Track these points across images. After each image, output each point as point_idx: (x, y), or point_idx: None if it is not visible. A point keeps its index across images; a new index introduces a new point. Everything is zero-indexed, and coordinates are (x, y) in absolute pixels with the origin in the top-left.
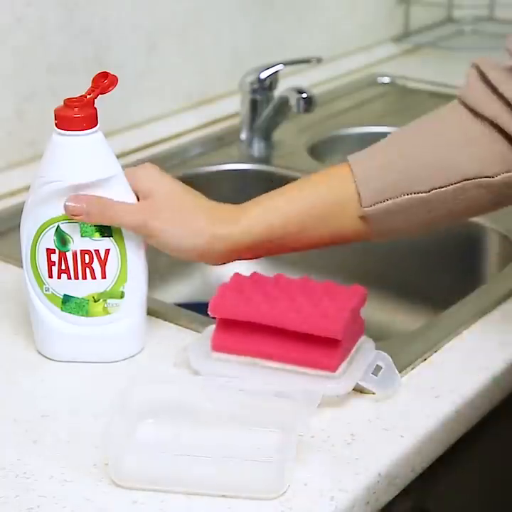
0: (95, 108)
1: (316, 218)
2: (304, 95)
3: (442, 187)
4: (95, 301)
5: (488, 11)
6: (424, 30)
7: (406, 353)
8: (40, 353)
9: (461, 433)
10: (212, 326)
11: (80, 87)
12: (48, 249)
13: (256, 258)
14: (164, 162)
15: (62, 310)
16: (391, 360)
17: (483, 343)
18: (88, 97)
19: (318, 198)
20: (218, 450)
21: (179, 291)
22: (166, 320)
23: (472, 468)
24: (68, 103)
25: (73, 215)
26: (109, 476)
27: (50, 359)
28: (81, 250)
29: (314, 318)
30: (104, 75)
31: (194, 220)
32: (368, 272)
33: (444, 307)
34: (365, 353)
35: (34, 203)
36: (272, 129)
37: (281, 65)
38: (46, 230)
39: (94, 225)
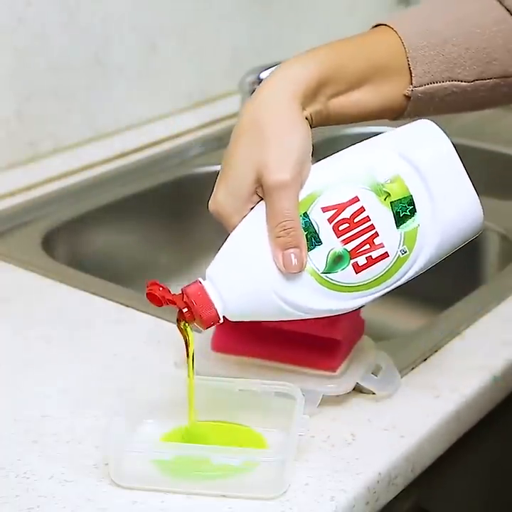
0: None
1: (370, 73)
2: None
3: (484, 79)
4: None
5: None
6: None
7: (406, 353)
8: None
9: (461, 433)
10: (212, 326)
11: (80, 87)
12: None
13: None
14: (164, 162)
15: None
16: (391, 360)
17: (484, 343)
18: None
19: (373, 53)
20: (218, 450)
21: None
22: (165, 320)
23: (472, 468)
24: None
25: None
26: (109, 476)
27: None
28: None
29: (314, 319)
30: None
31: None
32: None
33: (444, 307)
34: (365, 353)
35: None
36: None
37: None
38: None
39: None
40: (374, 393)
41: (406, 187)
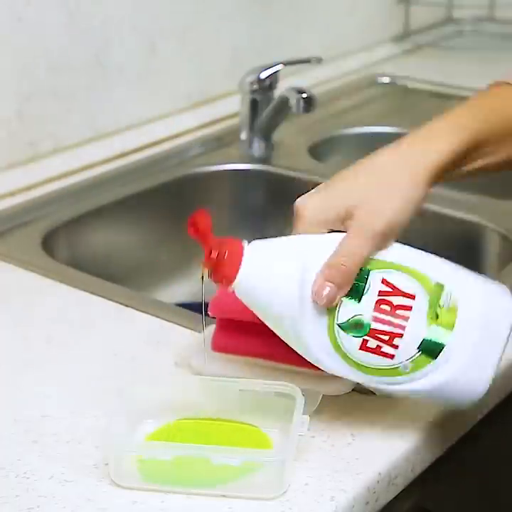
0: None
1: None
2: (304, 95)
3: None
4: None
5: (488, 11)
6: (424, 30)
7: None
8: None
9: (461, 433)
10: (212, 326)
11: (80, 87)
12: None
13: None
14: (164, 162)
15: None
16: None
17: None
18: None
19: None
20: (218, 450)
21: (179, 291)
22: (166, 320)
23: (472, 468)
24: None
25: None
26: (109, 476)
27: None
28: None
29: None
30: None
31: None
32: None
33: None
34: None
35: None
36: (271, 129)
37: (281, 65)
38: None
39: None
40: (374, 393)
41: (453, 324)
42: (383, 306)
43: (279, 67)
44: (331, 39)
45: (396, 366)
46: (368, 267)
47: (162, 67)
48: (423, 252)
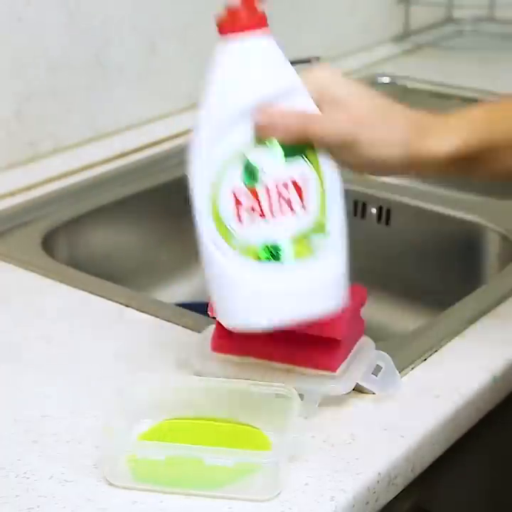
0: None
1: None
2: None
3: None
4: (297, 242)
5: (488, 11)
6: (424, 30)
7: (406, 353)
8: (230, 323)
9: (461, 433)
10: (212, 326)
11: (80, 87)
12: (234, 189)
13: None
14: (164, 162)
15: (260, 260)
16: (391, 360)
17: (484, 343)
18: None
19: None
20: (211, 451)
21: (179, 291)
22: (166, 320)
23: (472, 468)
24: (230, 9)
25: (269, 134)
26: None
27: (238, 326)
28: (275, 182)
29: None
30: None
31: (400, 127)
32: (368, 271)
33: (444, 307)
34: (365, 353)
35: (210, 136)
36: None
37: None
38: (230, 165)
39: (287, 149)
40: (374, 393)
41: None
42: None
43: None
44: (331, 39)
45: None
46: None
47: (162, 67)
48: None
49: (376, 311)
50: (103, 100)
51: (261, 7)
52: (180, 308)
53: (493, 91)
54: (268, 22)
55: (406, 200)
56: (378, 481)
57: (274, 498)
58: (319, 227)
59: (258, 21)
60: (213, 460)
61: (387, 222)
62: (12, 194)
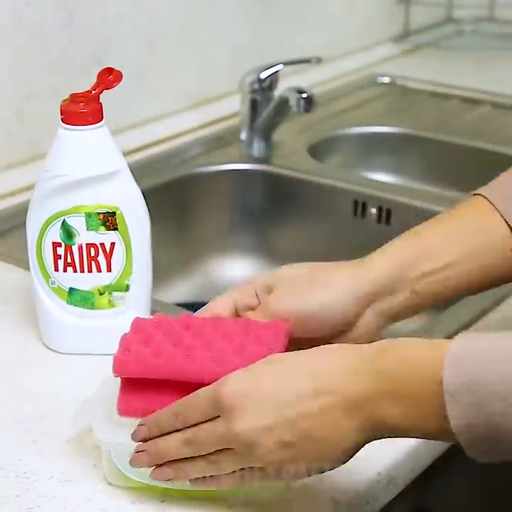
0: (100, 103)
1: (464, 252)
2: (304, 95)
3: None
4: (100, 294)
5: (488, 11)
6: (424, 30)
7: None
8: (46, 346)
9: None
10: (111, 377)
11: (80, 87)
12: (53, 243)
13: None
14: (164, 162)
15: (68, 303)
16: None
17: None
18: (93, 92)
19: (463, 231)
20: None
21: (179, 291)
22: None
23: (472, 468)
24: (74, 98)
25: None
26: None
27: (56, 352)
28: (87, 244)
29: (231, 366)
30: (109, 70)
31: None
32: None
33: (444, 307)
34: None
35: (40, 197)
36: (271, 129)
37: (281, 65)
38: (52, 223)
39: (100, 219)
40: None
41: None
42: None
43: (279, 67)
44: (331, 39)
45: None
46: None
47: (162, 67)
48: None
49: None
50: (103, 100)
51: (98, 103)
52: (181, 308)
53: (493, 91)
54: (103, 115)
55: (406, 200)
56: (378, 481)
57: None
58: (120, 285)
59: (96, 117)
60: None
61: (387, 222)
62: (12, 194)
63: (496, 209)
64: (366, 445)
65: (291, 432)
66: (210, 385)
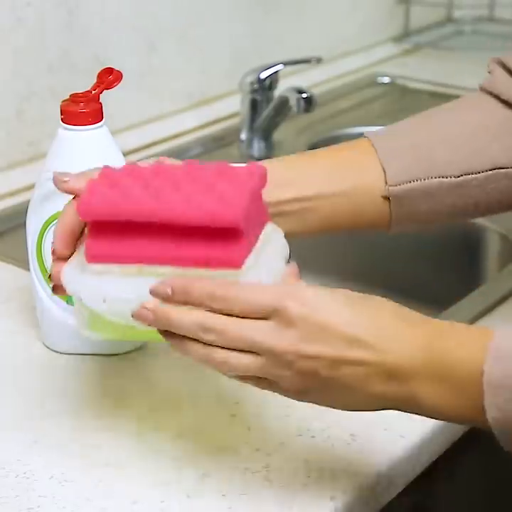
0: (100, 103)
1: (337, 191)
2: (304, 95)
3: (473, 173)
4: None
5: (488, 11)
6: (424, 30)
7: None
8: (46, 346)
9: (461, 433)
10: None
11: (80, 87)
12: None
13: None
14: None
15: (68, 303)
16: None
17: None
18: (93, 92)
19: (339, 166)
20: None
21: None
22: None
23: (472, 468)
24: (74, 98)
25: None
26: (109, 476)
27: (55, 352)
28: None
29: (207, 206)
30: (109, 70)
31: None
32: (368, 272)
33: (444, 307)
34: (274, 243)
35: (40, 197)
36: (272, 129)
37: (281, 65)
38: (52, 223)
39: None
40: None
41: None
42: None
43: (279, 67)
44: (331, 39)
45: None
46: None
47: (162, 67)
48: None
49: None
50: (103, 100)
51: (98, 103)
52: None
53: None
54: (103, 116)
55: None
56: (378, 481)
57: (274, 496)
58: None
59: (96, 117)
60: None
61: None
62: (12, 194)
63: (376, 153)
64: (366, 444)
65: (328, 370)
66: (274, 290)
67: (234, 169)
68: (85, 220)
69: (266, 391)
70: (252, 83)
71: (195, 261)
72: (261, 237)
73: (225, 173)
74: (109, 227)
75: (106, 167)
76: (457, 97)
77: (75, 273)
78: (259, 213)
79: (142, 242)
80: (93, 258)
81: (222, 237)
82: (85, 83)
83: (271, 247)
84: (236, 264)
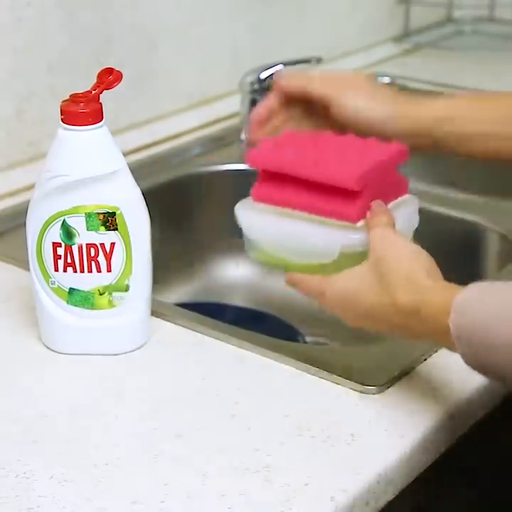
0: (100, 103)
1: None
2: None
3: None
4: (100, 294)
5: (488, 11)
6: (424, 30)
7: (407, 353)
8: (46, 346)
9: (461, 433)
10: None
11: (80, 87)
12: (53, 243)
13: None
14: (164, 162)
15: (68, 303)
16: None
17: None
18: (93, 92)
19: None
20: None
21: (179, 291)
22: (166, 320)
23: (472, 468)
24: (74, 98)
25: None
26: (109, 476)
27: (55, 352)
28: (87, 244)
29: (332, 169)
30: (109, 70)
31: None
32: None
33: None
34: (403, 210)
35: (40, 197)
36: None
37: (281, 65)
38: (52, 223)
39: (100, 219)
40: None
41: None
42: None
43: (279, 67)
44: (331, 39)
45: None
46: None
47: (162, 67)
48: None
49: None
50: (103, 100)
51: (98, 103)
52: (180, 308)
53: (493, 91)
54: (103, 116)
55: None
56: (378, 481)
57: (274, 496)
58: (120, 286)
59: (96, 117)
60: None
61: None
62: (12, 194)
63: None
64: (366, 444)
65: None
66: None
67: (380, 144)
68: (253, 167)
69: (265, 391)
70: (252, 83)
71: (324, 211)
72: (392, 203)
73: (369, 147)
74: (271, 177)
75: (265, 138)
76: None
77: (245, 207)
78: (393, 185)
79: (290, 191)
80: (258, 198)
81: (342, 196)
82: (85, 83)
83: (398, 213)
84: (352, 218)
